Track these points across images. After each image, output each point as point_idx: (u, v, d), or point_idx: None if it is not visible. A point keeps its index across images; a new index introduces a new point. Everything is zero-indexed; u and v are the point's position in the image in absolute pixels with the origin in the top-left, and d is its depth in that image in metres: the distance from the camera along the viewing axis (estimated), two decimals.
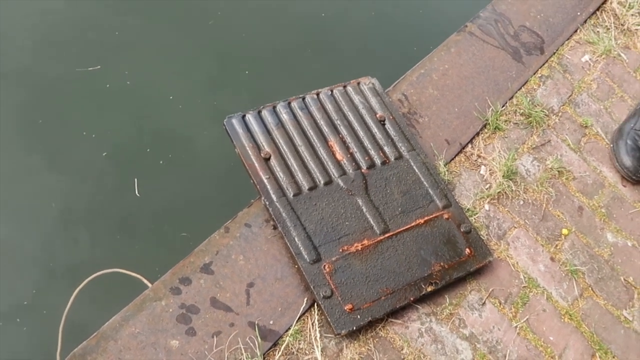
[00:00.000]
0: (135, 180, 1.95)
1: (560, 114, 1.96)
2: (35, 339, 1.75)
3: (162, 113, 2.06)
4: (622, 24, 2.27)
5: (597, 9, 2.27)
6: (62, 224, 1.92)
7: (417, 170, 1.62)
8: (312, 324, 1.38)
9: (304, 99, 1.64)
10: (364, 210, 1.51)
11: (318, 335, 1.36)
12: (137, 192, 1.95)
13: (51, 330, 1.67)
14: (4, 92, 2.02)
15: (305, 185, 1.50)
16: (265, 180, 1.47)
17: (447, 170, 1.69)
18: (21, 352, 1.70)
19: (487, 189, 1.71)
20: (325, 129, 1.60)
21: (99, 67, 2.07)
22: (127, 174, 1.94)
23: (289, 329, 1.35)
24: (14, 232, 1.88)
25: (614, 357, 1.58)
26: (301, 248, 1.41)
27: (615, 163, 1.87)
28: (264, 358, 1.31)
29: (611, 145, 1.90)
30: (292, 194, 1.47)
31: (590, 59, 2.13)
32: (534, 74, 2.00)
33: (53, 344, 1.62)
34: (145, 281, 1.72)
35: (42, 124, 1.98)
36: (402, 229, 1.52)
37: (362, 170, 1.57)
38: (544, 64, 2.03)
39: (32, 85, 2.06)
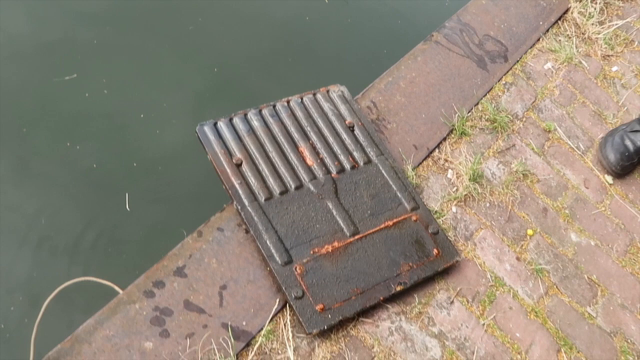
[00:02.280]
0: (127, 194, 1.95)
1: (524, 119, 2.03)
2: (7, 351, 1.75)
3: (140, 122, 2.09)
4: (582, 33, 2.36)
5: (559, 19, 2.35)
6: (47, 238, 1.92)
7: (385, 174, 1.67)
8: (285, 325, 1.41)
9: (274, 106, 1.68)
10: (334, 213, 1.55)
11: (290, 335, 1.40)
12: (127, 207, 1.96)
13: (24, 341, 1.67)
14: None
15: (276, 189, 1.54)
16: (237, 186, 1.51)
17: (415, 174, 1.74)
18: None
19: (454, 191, 1.76)
20: (296, 135, 1.65)
21: (75, 75, 2.10)
22: (117, 186, 1.95)
23: (262, 329, 1.38)
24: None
25: (578, 352, 1.63)
26: (273, 251, 1.44)
27: (599, 156, 1.99)
28: (237, 358, 1.34)
29: (600, 141, 2.01)
30: (263, 199, 1.51)
31: (552, 67, 2.21)
32: (499, 81, 2.07)
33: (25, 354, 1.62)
34: (117, 288, 1.73)
35: (27, 133, 1.99)
36: (371, 231, 1.56)
37: (332, 175, 1.62)
38: (508, 72, 2.11)
39: (10, 95, 2.07)
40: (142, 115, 2.13)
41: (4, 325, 1.76)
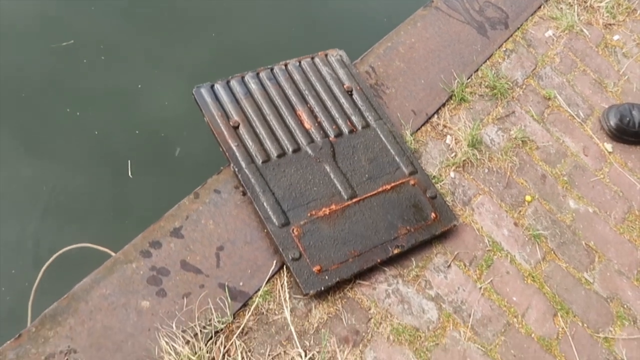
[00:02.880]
0: (129, 162, 1.94)
1: (524, 86, 2.01)
2: (6, 314, 1.75)
3: (140, 87, 2.06)
4: (584, 1, 2.33)
5: None
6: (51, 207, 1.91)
7: (384, 139, 1.66)
8: (282, 286, 1.41)
9: (272, 69, 1.66)
10: (332, 176, 1.55)
11: (287, 296, 1.40)
12: (130, 174, 1.94)
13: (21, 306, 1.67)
14: None
15: (273, 152, 1.53)
16: (234, 148, 1.50)
17: (413, 139, 1.73)
18: None
19: (452, 157, 1.76)
20: (293, 98, 1.63)
21: (72, 41, 2.08)
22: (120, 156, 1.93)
23: (259, 290, 1.39)
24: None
25: (575, 317, 1.64)
26: (270, 212, 1.44)
27: (602, 120, 2.00)
28: (234, 318, 1.34)
29: (605, 109, 2.03)
30: (260, 161, 1.50)
31: (553, 34, 2.19)
32: (499, 48, 2.05)
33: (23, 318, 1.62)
34: (113, 254, 1.73)
35: (26, 100, 1.97)
36: (369, 194, 1.56)
37: (330, 139, 1.61)
38: (508, 39, 2.09)
39: (9, 63, 2.04)
40: (139, 85, 2.11)
41: (4, 288, 1.76)
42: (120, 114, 2.02)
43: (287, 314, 1.38)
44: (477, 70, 1.97)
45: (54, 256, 1.79)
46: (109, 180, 1.91)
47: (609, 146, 1.99)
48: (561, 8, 2.27)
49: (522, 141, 1.88)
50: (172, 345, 1.24)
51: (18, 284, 1.77)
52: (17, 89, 2.02)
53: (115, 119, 2.00)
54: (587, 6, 2.33)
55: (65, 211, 1.88)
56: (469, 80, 1.94)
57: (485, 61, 2.00)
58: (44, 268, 1.76)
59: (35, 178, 1.95)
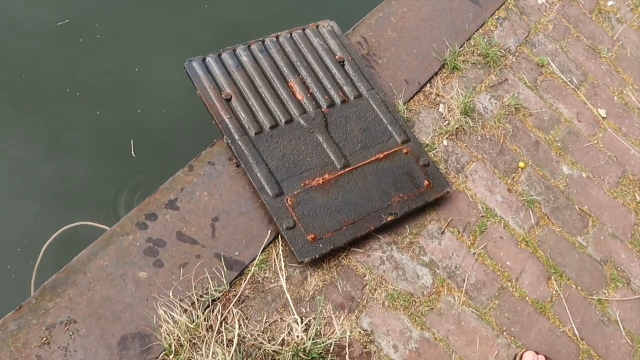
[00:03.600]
0: (132, 141, 1.94)
1: (517, 54, 2.01)
2: (11, 291, 1.78)
3: (137, 64, 2.06)
4: None
5: None
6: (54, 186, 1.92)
7: (376, 108, 1.66)
8: (277, 255, 1.43)
9: (263, 42, 1.67)
10: (325, 146, 1.56)
11: (283, 264, 1.42)
12: (133, 153, 1.94)
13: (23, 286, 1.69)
14: None
15: (266, 124, 1.54)
16: (227, 120, 1.51)
17: (406, 109, 1.73)
18: None
19: (445, 125, 1.76)
20: (285, 70, 1.64)
21: (67, 21, 2.07)
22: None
23: (254, 259, 1.41)
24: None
25: (569, 280, 1.66)
26: (264, 183, 1.45)
27: None
28: (230, 287, 1.36)
29: None
30: (254, 133, 1.51)
31: (546, 1, 2.18)
32: (491, 16, 2.05)
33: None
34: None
35: (25, 82, 1.97)
36: (362, 163, 1.57)
37: (323, 109, 1.61)
38: (501, 6, 2.08)
39: (5, 47, 2.04)
40: (136, 62, 2.11)
41: (10, 266, 1.78)
42: (120, 93, 2.02)
43: (283, 282, 1.40)
44: (469, 38, 1.97)
45: (55, 235, 1.81)
46: (113, 160, 1.92)
47: (602, 112, 1.99)
48: None
49: (516, 108, 1.88)
50: (171, 314, 1.26)
51: (23, 262, 1.79)
52: (16, 71, 2.02)
53: (115, 98, 2.00)
54: None
55: (69, 192, 1.89)
56: (462, 49, 1.94)
57: (478, 29, 2.00)
58: (44, 247, 1.79)
59: (37, 159, 1.96)
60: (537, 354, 1.47)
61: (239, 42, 1.66)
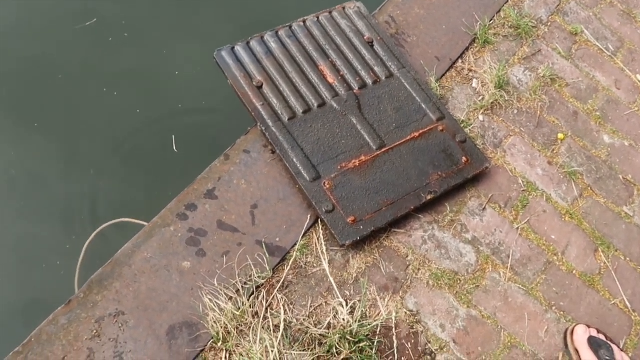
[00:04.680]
0: (173, 137, 1.95)
1: (549, 23, 1.96)
2: (53, 283, 1.80)
3: (167, 58, 2.07)
4: None
5: None
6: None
7: (408, 87, 1.64)
8: (318, 239, 1.42)
9: (290, 27, 1.65)
10: (359, 128, 1.54)
11: (324, 248, 1.41)
12: (175, 148, 1.95)
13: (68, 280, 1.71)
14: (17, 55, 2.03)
15: (299, 109, 1.53)
16: (260, 107, 1.50)
17: (438, 86, 1.70)
18: (41, 297, 1.75)
19: (480, 100, 1.73)
20: (315, 54, 1.62)
21: (95, 20, 2.09)
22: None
23: (295, 244, 1.40)
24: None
25: (617, 251, 1.61)
26: (300, 168, 1.44)
27: None
28: (273, 272, 1.36)
29: None
30: (287, 118, 1.50)
31: None
32: None
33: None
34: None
35: (62, 79, 1.99)
36: (397, 143, 1.55)
37: (354, 91, 1.60)
38: None
39: (40, 50, 2.07)
40: (166, 57, 2.11)
41: (59, 262, 1.81)
42: (156, 89, 2.03)
43: (325, 265, 1.39)
44: (499, 11, 1.92)
45: (95, 232, 1.84)
46: (155, 157, 1.93)
47: None
48: None
49: (551, 79, 1.84)
50: (216, 302, 1.26)
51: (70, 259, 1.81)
52: (52, 73, 2.04)
53: (152, 95, 2.01)
54: None
55: (111, 190, 1.91)
56: (492, 21, 1.89)
57: (507, 1, 1.95)
58: (86, 244, 1.81)
59: (79, 159, 1.98)
60: (589, 327, 1.44)
61: (266, 29, 1.65)
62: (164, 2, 2.22)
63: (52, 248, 1.81)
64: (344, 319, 1.31)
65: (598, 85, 1.88)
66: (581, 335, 1.41)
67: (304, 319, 1.32)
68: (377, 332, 1.34)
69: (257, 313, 1.30)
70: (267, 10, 2.17)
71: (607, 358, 1.36)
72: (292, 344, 1.27)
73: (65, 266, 1.79)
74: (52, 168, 1.92)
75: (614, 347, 1.41)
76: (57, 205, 1.87)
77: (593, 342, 1.39)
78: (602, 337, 1.42)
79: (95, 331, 1.20)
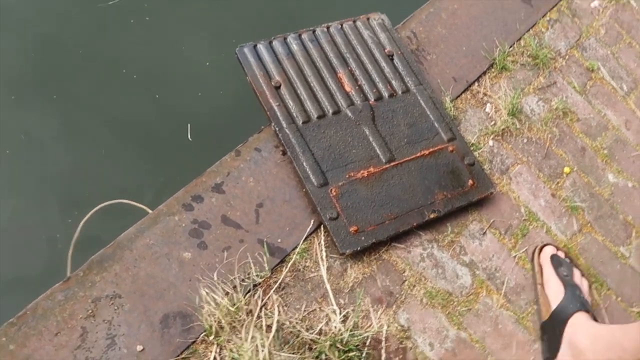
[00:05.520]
0: (189, 125, 1.96)
1: (567, 57, 1.98)
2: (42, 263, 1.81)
3: (189, 47, 2.08)
4: None
5: None
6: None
7: (423, 104, 1.65)
8: (319, 244, 1.44)
9: (314, 31, 1.66)
10: (371, 139, 1.55)
11: (324, 254, 1.42)
12: (189, 137, 1.95)
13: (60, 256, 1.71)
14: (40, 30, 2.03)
15: (314, 113, 1.54)
16: (276, 108, 1.51)
17: (453, 106, 1.72)
18: (31, 275, 1.76)
19: (492, 125, 1.74)
20: (335, 61, 1.63)
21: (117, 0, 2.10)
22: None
23: (296, 247, 1.41)
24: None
25: (609, 290, 1.63)
26: (309, 172, 1.45)
27: None
28: (272, 273, 1.37)
29: None
30: (301, 122, 1.51)
31: (599, 5, 2.14)
32: (543, 17, 2.01)
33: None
34: (150, 212, 1.75)
35: (82, 56, 2.00)
36: (407, 158, 1.56)
37: (370, 102, 1.61)
38: (553, 8, 2.04)
39: (60, 20, 2.07)
40: (184, 39, 2.11)
41: (59, 235, 1.81)
42: (175, 77, 2.03)
43: (323, 272, 1.40)
44: (519, 39, 1.94)
45: (93, 210, 1.84)
46: (168, 143, 1.93)
47: None
48: None
49: (563, 112, 1.85)
50: (212, 296, 1.27)
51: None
52: (73, 47, 2.04)
53: (170, 82, 2.02)
54: None
55: (120, 171, 1.92)
56: (511, 48, 1.91)
57: (529, 30, 1.97)
58: (82, 221, 1.81)
59: (92, 137, 1.98)
60: (558, 249, 1.55)
61: (288, 31, 1.66)
62: None
63: (53, 222, 1.81)
64: (335, 327, 1.32)
65: (608, 124, 1.90)
66: (547, 252, 1.53)
67: (296, 322, 1.33)
68: (367, 344, 1.35)
69: (251, 311, 1.31)
70: (290, 11, 2.18)
71: (565, 274, 1.49)
72: (283, 345, 1.28)
73: (63, 241, 1.80)
74: (64, 143, 1.92)
75: (576, 270, 1.54)
76: (63, 179, 1.88)
77: (555, 259, 1.52)
78: (567, 260, 1.54)
79: (90, 311, 1.21)
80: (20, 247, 1.79)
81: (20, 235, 1.81)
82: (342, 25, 1.71)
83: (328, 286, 1.39)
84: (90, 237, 1.77)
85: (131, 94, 2.01)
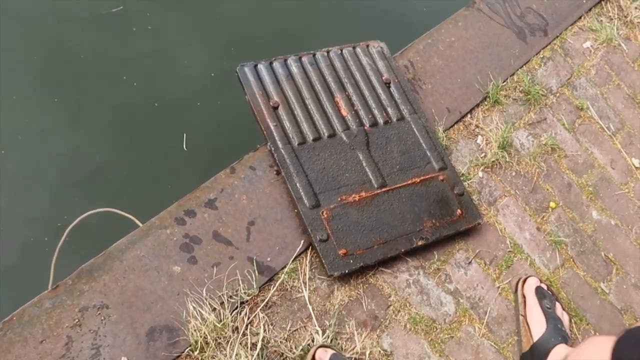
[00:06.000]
0: (184, 135, 1.97)
1: (558, 94, 2.03)
2: (27, 276, 1.80)
3: (188, 59, 2.10)
4: (625, 16, 2.33)
5: None
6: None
7: (417, 133, 1.68)
8: (307, 265, 1.45)
9: (314, 55, 1.70)
10: (364, 164, 1.58)
11: (307, 277, 1.44)
12: (184, 147, 1.97)
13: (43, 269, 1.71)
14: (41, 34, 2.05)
15: (310, 135, 1.56)
16: (272, 127, 1.54)
17: (445, 136, 1.75)
18: (13, 286, 1.75)
19: (482, 157, 1.78)
20: (333, 85, 1.67)
21: (121, 7, 2.12)
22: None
23: (285, 267, 1.43)
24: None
25: (588, 325, 1.66)
26: (302, 193, 1.48)
27: None
28: (259, 291, 1.38)
29: None
30: (297, 143, 1.54)
31: (591, 46, 2.20)
32: (536, 54, 2.07)
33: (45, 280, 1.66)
34: (137, 222, 1.76)
35: (83, 60, 2.01)
36: (398, 185, 1.59)
37: (365, 127, 1.64)
38: (546, 46, 2.10)
39: (63, 29, 2.09)
40: (184, 51, 2.14)
41: (47, 238, 1.81)
42: (173, 87, 2.06)
43: (305, 295, 1.41)
44: (513, 74, 1.99)
45: (79, 218, 1.83)
46: (163, 151, 1.95)
47: (636, 161, 2.00)
48: (601, 21, 2.28)
49: (552, 148, 1.90)
50: (199, 311, 1.28)
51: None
52: (75, 52, 2.06)
53: (168, 91, 2.04)
54: (627, 21, 2.33)
55: (113, 177, 1.93)
56: (505, 83, 1.96)
57: (522, 66, 2.02)
58: (68, 229, 1.81)
59: (89, 142, 1.99)
60: (541, 281, 1.58)
61: (289, 49, 1.69)
62: (190, 2, 2.26)
63: (44, 223, 1.81)
64: None
65: (595, 162, 1.95)
66: (532, 284, 1.56)
67: (281, 341, 1.34)
68: None
69: (237, 328, 1.32)
70: (292, 33, 2.21)
71: (548, 307, 1.52)
72: None
73: (50, 244, 1.80)
74: (61, 146, 1.93)
75: (558, 304, 1.57)
76: (59, 181, 1.88)
77: (539, 291, 1.55)
78: (549, 293, 1.57)
79: (77, 320, 1.21)
80: (6, 246, 1.79)
81: (7, 234, 1.80)
82: (342, 50, 1.74)
83: (311, 308, 1.41)
84: (78, 244, 1.77)
85: (130, 100, 2.02)
